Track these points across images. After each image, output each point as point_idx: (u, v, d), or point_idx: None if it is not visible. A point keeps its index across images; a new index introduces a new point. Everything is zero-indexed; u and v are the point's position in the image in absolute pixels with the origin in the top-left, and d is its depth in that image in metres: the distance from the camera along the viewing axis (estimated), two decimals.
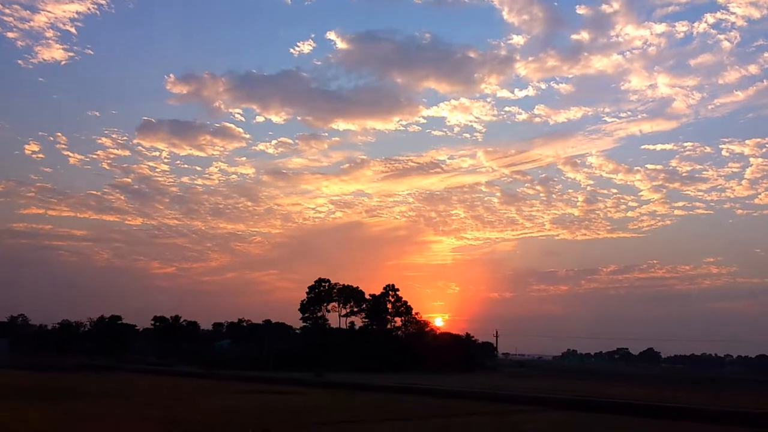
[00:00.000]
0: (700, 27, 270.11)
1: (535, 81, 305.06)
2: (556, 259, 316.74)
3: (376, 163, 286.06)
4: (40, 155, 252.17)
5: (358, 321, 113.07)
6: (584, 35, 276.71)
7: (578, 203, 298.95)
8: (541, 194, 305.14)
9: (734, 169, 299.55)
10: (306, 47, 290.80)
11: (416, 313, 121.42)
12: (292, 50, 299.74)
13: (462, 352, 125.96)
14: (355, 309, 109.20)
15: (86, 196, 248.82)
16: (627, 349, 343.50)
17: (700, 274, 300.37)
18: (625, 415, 39.81)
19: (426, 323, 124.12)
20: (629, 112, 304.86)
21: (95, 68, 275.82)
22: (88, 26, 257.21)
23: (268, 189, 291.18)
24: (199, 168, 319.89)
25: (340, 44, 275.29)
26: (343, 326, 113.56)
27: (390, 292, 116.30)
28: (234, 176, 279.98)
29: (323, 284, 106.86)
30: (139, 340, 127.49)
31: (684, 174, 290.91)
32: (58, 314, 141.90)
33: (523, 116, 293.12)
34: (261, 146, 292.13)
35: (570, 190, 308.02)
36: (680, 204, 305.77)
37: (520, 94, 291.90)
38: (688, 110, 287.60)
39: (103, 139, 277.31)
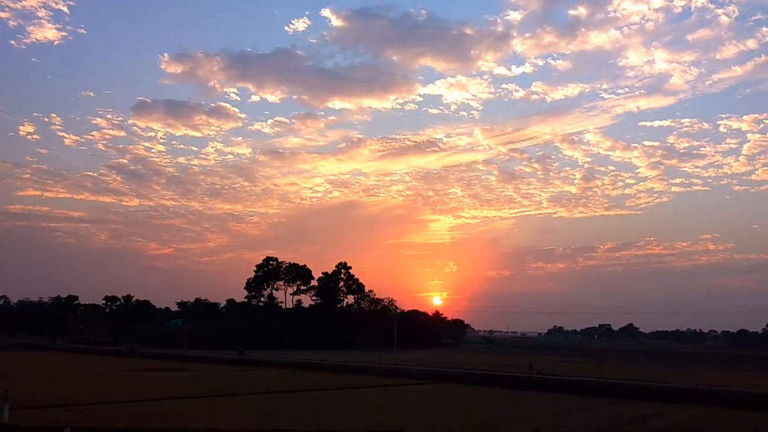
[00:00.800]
0: (698, 1, 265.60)
1: (532, 58, 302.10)
2: (553, 236, 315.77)
3: (373, 141, 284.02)
4: (35, 136, 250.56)
5: (308, 300, 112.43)
6: (581, 11, 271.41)
7: (576, 181, 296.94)
8: (539, 172, 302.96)
9: (732, 145, 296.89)
10: (301, 25, 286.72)
11: (369, 291, 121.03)
12: (286, 28, 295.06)
13: (417, 330, 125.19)
14: (303, 287, 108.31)
15: (82, 178, 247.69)
16: (609, 325, 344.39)
17: (697, 250, 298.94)
18: (498, 386, 39.81)
19: (379, 301, 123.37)
20: (627, 89, 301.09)
21: (88, 48, 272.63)
22: (81, 5, 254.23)
23: (265, 169, 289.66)
24: (195, 148, 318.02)
25: (335, 21, 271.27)
26: (300, 305, 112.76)
27: (342, 270, 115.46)
28: (230, 156, 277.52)
29: (271, 262, 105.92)
30: (97, 319, 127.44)
31: (681, 150, 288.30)
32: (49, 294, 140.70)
33: (520, 93, 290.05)
34: (257, 126, 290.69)
35: (567, 168, 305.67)
36: (678, 181, 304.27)
37: (516, 71, 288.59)
38: (686, 86, 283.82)
39: (98, 120, 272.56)
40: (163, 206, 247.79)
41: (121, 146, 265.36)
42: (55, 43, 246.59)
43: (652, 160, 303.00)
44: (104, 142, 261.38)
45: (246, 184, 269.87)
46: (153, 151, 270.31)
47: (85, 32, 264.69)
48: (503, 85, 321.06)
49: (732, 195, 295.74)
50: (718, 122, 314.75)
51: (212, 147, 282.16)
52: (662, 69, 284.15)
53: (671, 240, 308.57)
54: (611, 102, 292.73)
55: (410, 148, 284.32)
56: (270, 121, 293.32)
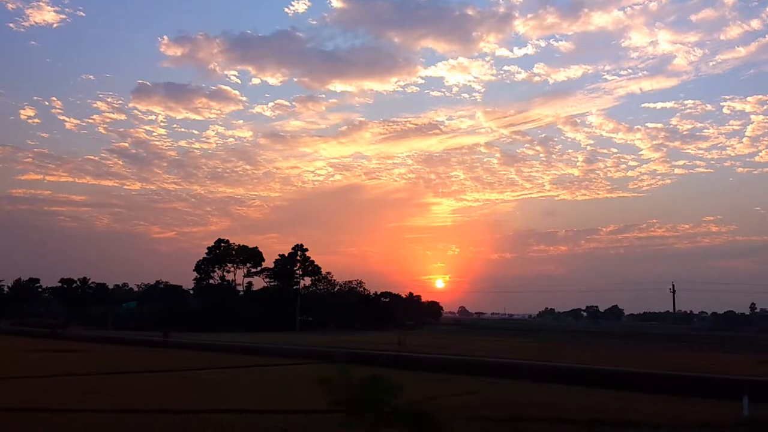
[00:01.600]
0: None
1: (534, 39, 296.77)
2: (556, 219, 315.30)
3: (375, 124, 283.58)
4: (36, 120, 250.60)
5: (261, 282, 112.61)
6: None
7: (578, 163, 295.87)
8: (541, 154, 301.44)
9: (735, 127, 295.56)
10: (300, 6, 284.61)
11: (327, 273, 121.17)
12: (287, 9, 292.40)
13: (377, 312, 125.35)
14: (253, 270, 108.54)
15: (84, 161, 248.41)
16: (597, 306, 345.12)
17: (700, 232, 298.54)
18: (363, 364, 39.73)
19: (336, 283, 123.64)
20: (630, 70, 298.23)
21: (88, 30, 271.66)
22: None
23: (266, 152, 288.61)
24: (196, 131, 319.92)
25: (336, 3, 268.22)
26: (251, 288, 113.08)
27: (299, 252, 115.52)
28: (231, 139, 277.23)
29: (222, 244, 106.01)
30: (57, 302, 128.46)
31: (684, 132, 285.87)
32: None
33: (523, 75, 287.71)
34: (258, 109, 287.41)
35: (570, 150, 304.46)
36: (681, 163, 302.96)
37: (519, 52, 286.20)
38: (689, 67, 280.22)
39: (99, 103, 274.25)
40: (164, 190, 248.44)
41: (122, 130, 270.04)
42: (54, 26, 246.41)
43: (654, 142, 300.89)
44: (105, 125, 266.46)
45: (247, 167, 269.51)
46: (154, 134, 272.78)
47: (84, 15, 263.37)
48: (505, 67, 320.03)
49: (735, 177, 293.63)
50: (721, 104, 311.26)
51: (213, 130, 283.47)
52: (665, 50, 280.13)
53: (674, 222, 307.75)
54: (614, 83, 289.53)
55: (412, 130, 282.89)
56: (271, 104, 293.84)
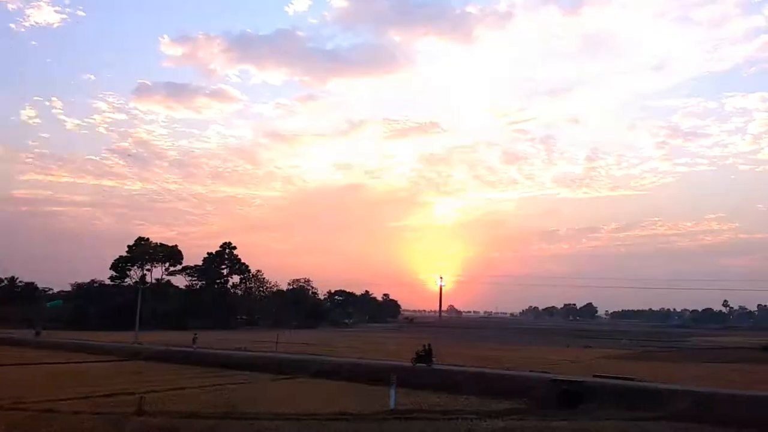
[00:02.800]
0: None
1: (535, 36, 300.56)
2: (557, 217, 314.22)
3: (375, 123, 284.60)
4: (37, 120, 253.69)
5: (183, 281, 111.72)
6: None
7: (579, 161, 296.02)
8: (542, 152, 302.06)
9: (737, 124, 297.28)
10: (301, 5, 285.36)
11: (258, 271, 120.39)
12: (286, 8, 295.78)
13: (308, 310, 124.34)
14: (172, 268, 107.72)
15: (84, 161, 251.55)
16: (574, 304, 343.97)
17: (702, 230, 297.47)
18: (170, 362, 39.68)
19: (267, 281, 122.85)
20: (631, 67, 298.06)
21: (88, 31, 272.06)
22: None
23: (267, 151, 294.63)
24: (196, 131, 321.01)
25: (336, 1, 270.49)
26: (179, 285, 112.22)
27: (227, 250, 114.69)
28: (232, 139, 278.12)
29: (142, 242, 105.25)
30: None
31: (687, 130, 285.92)
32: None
33: (524, 73, 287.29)
34: (258, 108, 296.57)
35: (571, 148, 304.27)
36: (683, 160, 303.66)
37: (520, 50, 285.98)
38: (691, 64, 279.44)
39: (99, 103, 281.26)
40: (165, 189, 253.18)
41: (122, 129, 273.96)
42: (55, 26, 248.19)
43: (656, 139, 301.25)
44: (106, 125, 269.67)
45: (248, 166, 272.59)
46: (155, 134, 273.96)
47: (84, 14, 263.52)
48: (506, 65, 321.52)
49: (737, 174, 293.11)
50: (723, 101, 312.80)
51: (214, 130, 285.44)
52: (667, 47, 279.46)
53: (676, 220, 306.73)
54: (615, 81, 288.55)
55: (413, 129, 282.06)
56: (271, 103, 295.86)
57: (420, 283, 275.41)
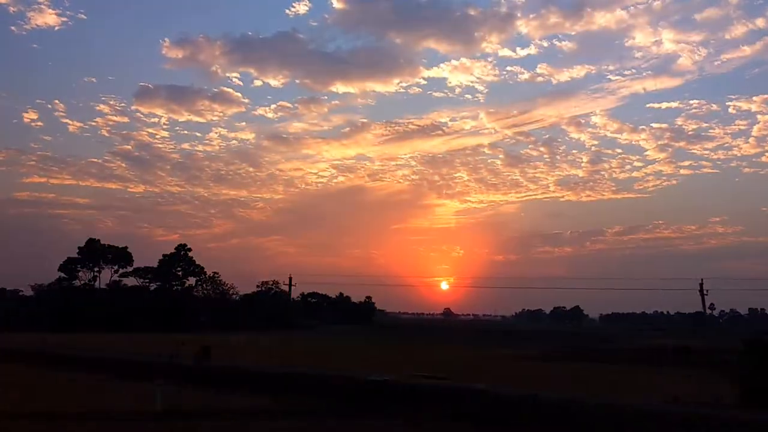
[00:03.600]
0: None
1: (537, 39, 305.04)
2: (560, 220, 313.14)
3: (377, 126, 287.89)
4: (39, 123, 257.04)
5: (134, 282, 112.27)
6: None
7: (583, 164, 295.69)
8: (545, 155, 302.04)
9: (741, 127, 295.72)
10: (301, 7, 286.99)
11: (214, 273, 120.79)
12: (287, 11, 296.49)
13: (260, 312, 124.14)
14: (120, 270, 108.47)
15: (87, 164, 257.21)
16: (564, 307, 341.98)
17: (706, 233, 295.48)
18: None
19: (223, 283, 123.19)
20: (633, 70, 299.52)
21: (89, 33, 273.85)
22: None
23: (269, 154, 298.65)
24: (199, 134, 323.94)
25: (337, 4, 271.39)
26: (119, 287, 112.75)
27: (182, 253, 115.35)
28: (234, 142, 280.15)
29: (94, 244, 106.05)
30: None
31: (690, 132, 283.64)
32: None
33: (525, 76, 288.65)
34: (260, 111, 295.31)
35: (574, 151, 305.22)
36: (686, 163, 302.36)
37: (522, 52, 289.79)
38: (694, 66, 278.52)
39: (101, 106, 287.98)
40: (168, 192, 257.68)
41: (125, 132, 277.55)
42: (56, 28, 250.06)
43: (660, 142, 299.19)
44: (108, 128, 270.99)
45: (251, 169, 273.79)
46: (157, 137, 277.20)
47: (85, 17, 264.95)
48: (508, 68, 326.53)
49: (741, 177, 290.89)
50: (726, 103, 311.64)
51: (216, 132, 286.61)
52: (670, 49, 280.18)
53: (679, 223, 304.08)
54: (618, 83, 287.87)
55: (415, 132, 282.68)
56: (273, 106, 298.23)
57: (421, 285, 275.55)
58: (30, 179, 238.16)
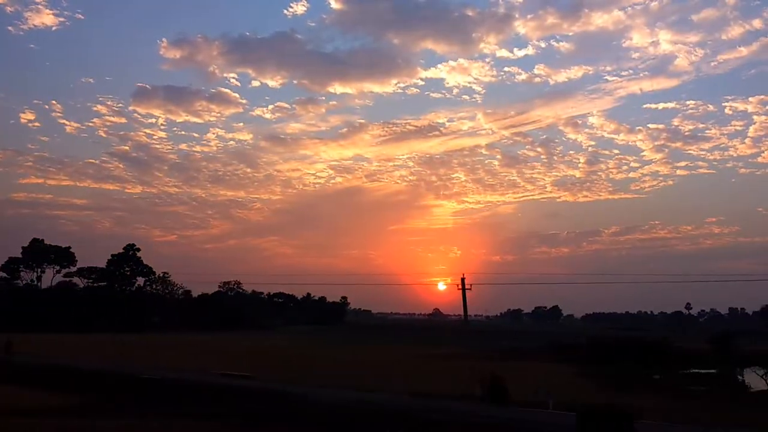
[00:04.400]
0: None
1: (534, 39, 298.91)
2: (557, 221, 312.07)
3: (375, 126, 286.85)
4: (36, 124, 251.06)
5: (80, 282, 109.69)
6: None
7: (580, 164, 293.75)
8: (542, 156, 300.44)
9: (737, 128, 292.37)
10: (299, 8, 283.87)
11: (164, 273, 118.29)
12: (285, 11, 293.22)
13: (221, 312, 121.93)
14: (63, 270, 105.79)
15: (84, 165, 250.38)
16: (544, 306, 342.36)
17: (702, 234, 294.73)
18: None
19: (174, 283, 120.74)
20: (630, 71, 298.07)
21: (86, 34, 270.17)
22: None
23: (267, 155, 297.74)
24: (196, 135, 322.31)
25: (335, 4, 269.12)
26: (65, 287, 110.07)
27: (130, 253, 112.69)
28: (232, 142, 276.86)
29: (37, 244, 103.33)
30: None
31: (686, 133, 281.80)
32: None
33: (523, 76, 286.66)
34: (258, 111, 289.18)
35: (571, 152, 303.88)
36: (682, 164, 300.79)
37: (519, 53, 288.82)
38: (690, 67, 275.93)
39: (99, 107, 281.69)
40: (166, 193, 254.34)
41: (122, 133, 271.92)
42: (54, 29, 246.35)
43: (656, 143, 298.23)
44: (105, 129, 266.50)
45: (248, 170, 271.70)
46: (154, 137, 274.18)
47: (83, 18, 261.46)
48: (505, 68, 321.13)
49: (737, 178, 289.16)
50: (723, 104, 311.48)
51: (213, 133, 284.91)
52: (666, 50, 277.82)
53: (676, 224, 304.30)
54: (615, 84, 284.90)
55: (412, 132, 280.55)
56: (271, 107, 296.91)
57: (418, 286, 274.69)
58: (27, 180, 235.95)
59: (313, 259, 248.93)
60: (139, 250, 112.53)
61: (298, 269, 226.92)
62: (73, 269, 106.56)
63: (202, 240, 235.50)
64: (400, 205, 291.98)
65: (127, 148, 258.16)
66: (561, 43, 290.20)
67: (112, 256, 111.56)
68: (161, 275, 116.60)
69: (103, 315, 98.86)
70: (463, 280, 34.67)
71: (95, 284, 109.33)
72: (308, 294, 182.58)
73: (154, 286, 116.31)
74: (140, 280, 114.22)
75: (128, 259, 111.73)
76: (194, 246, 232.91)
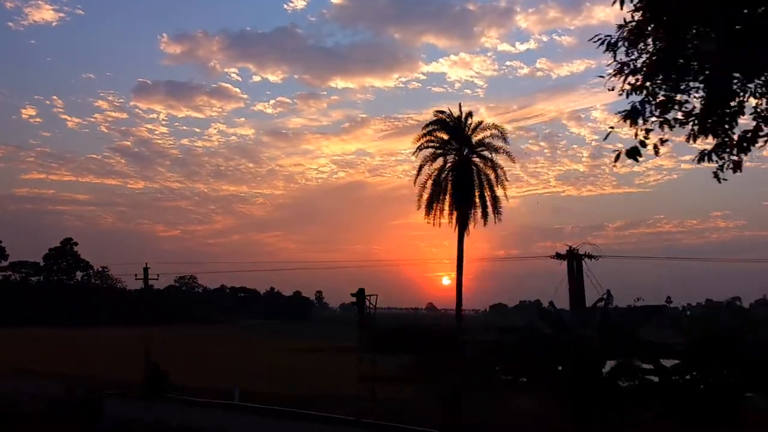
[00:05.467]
0: None
1: (536, 33, 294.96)
2: (561, 215, 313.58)
3: (377, 121, 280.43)
4: (38, 119, 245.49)
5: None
6: None
7: (583, 158, 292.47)
8: (546, 150, 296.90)
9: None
10: (300, 3, 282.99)
11: (103, 267, 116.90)
12: (285, 6, 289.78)
13: (159, 305, 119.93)
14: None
15: (87, 160, 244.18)
16: (527, 301, 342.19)
17: (708, 228, 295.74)
18: None
19: (112, 278, 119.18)
20: None
21: (87, 29, 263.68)
22: None
23: (269, 150, 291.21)
24: (198, 130, 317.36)
25: None
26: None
27: (68, 247, 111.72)
28: (234, 137, 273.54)
29: None
30: None
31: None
32: None
33: (525, 70, 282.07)
34: (259, 106, 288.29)
35: (575, 146, 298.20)
36: (687, 157, 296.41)
37: (521, 47, 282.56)
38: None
39: (100, 102, 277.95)
40: (168, 188, 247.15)
41: (123, 128, 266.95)
42: (54, 24, 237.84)
43: (660, 136, 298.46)
44: (107, 124, 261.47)
45: (250, 165, 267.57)
46: (156, 133, 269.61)
47: (83, 13, 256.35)
48: (507, 62, 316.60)
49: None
50: None
51: (215, 128, 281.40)
52: None
53: (681, 218, 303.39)
54: (618, 77, 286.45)
55: (414, 127, 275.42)
56: (272, 102, 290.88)
57: (418, 280, 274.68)
58: (29, 175, 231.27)
59: (316, 254, 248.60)
60: (76, 244, 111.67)
61: (300, 264, 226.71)
62: (5, 263, 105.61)
63: (205, 235, 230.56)
64: (402, 199, 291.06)
65: (128, 143, 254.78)
66: (563, 37, 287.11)
67: (50, 250, 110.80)
68: (99, 270, 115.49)
69: (40, 310, 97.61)
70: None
71: (28, 278, 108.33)
72: (272, 288, 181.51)
73: (92, 281, 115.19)
74: (78, 275, 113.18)
75: (66, 253, 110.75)
76: (198, 241, 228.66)
